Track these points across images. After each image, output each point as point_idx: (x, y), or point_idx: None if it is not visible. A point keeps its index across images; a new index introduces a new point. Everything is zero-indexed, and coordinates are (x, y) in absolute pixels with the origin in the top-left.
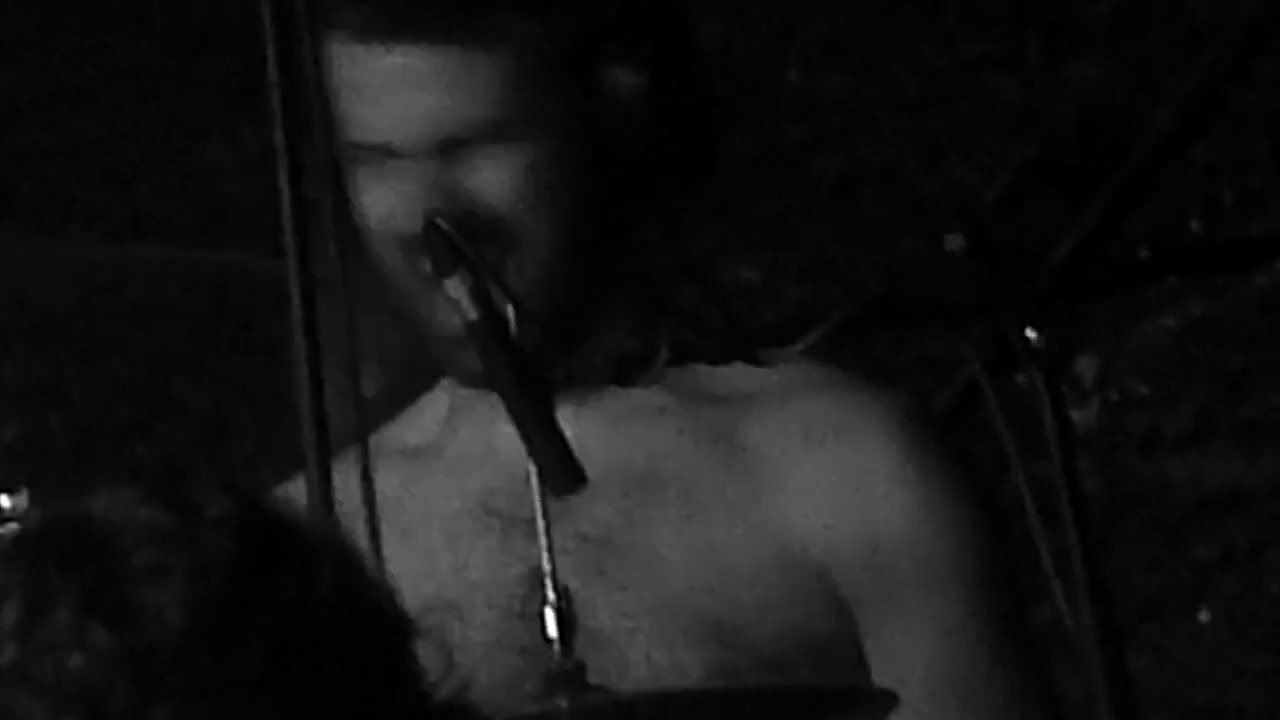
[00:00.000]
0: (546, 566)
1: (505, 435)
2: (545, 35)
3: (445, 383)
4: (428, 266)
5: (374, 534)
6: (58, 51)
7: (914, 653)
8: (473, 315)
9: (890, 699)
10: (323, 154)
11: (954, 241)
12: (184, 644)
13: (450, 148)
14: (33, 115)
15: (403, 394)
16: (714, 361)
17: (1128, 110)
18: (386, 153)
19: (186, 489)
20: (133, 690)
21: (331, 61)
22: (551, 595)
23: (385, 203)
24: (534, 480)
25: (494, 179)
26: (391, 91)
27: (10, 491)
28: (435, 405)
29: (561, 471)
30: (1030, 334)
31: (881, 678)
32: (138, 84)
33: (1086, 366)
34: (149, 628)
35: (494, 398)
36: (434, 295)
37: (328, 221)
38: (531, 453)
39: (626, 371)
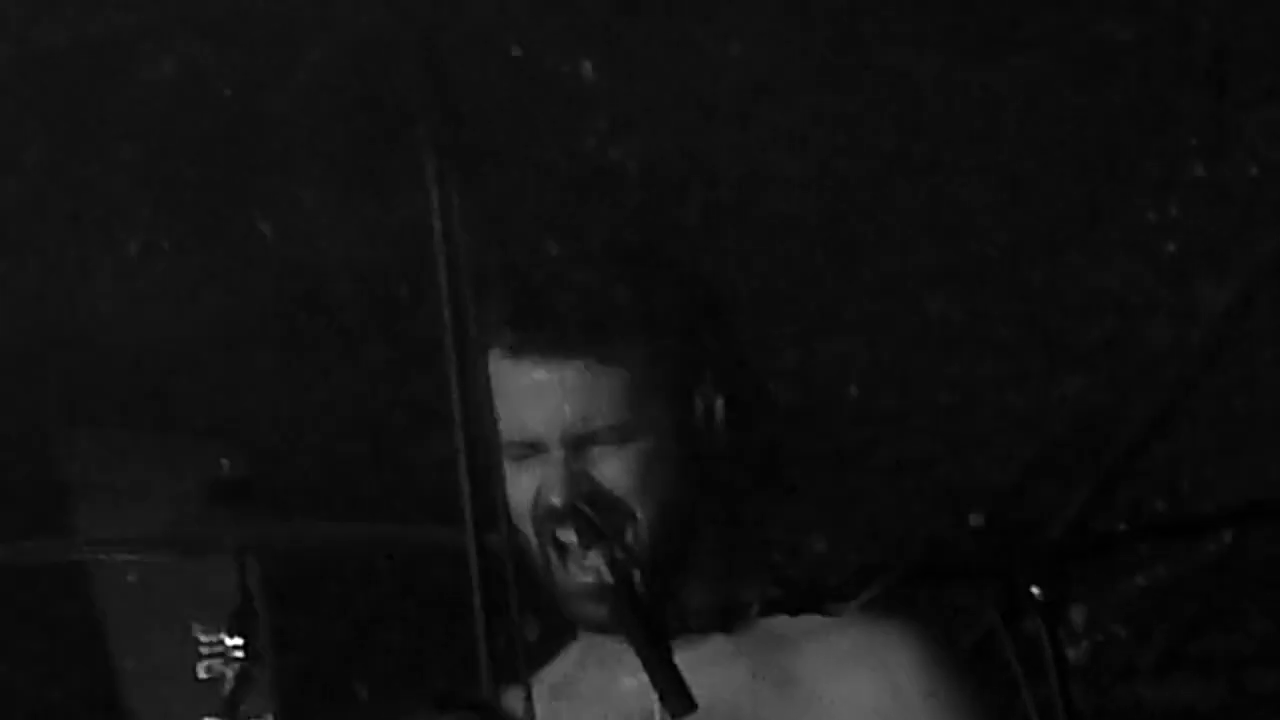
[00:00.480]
0: None
1: (617, 676)
2: (651, 359)
3: (578, 638)
4: (571, 537)
5: None
6: None
7: None
8: (609, 578)
9: None
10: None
11: (976, 519)
12: None
13: (581, 444)
14: None
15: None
16: (793, 613)
17: (1108, 418)
18: (532, 447)
19: None
20: None
21: (491, 373)
22: None
23: (532, 488)
24: (656, 706)
25: (614, 469)
26: (536, 399)
27: None
28: (569, 655)
29: (678, 699)
30: (1035, 590)
31: None
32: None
33: (1077, 614)
34: None
35: (614, 646)
36: (568, 561)
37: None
38: (654, 683)
39: (729, 621)
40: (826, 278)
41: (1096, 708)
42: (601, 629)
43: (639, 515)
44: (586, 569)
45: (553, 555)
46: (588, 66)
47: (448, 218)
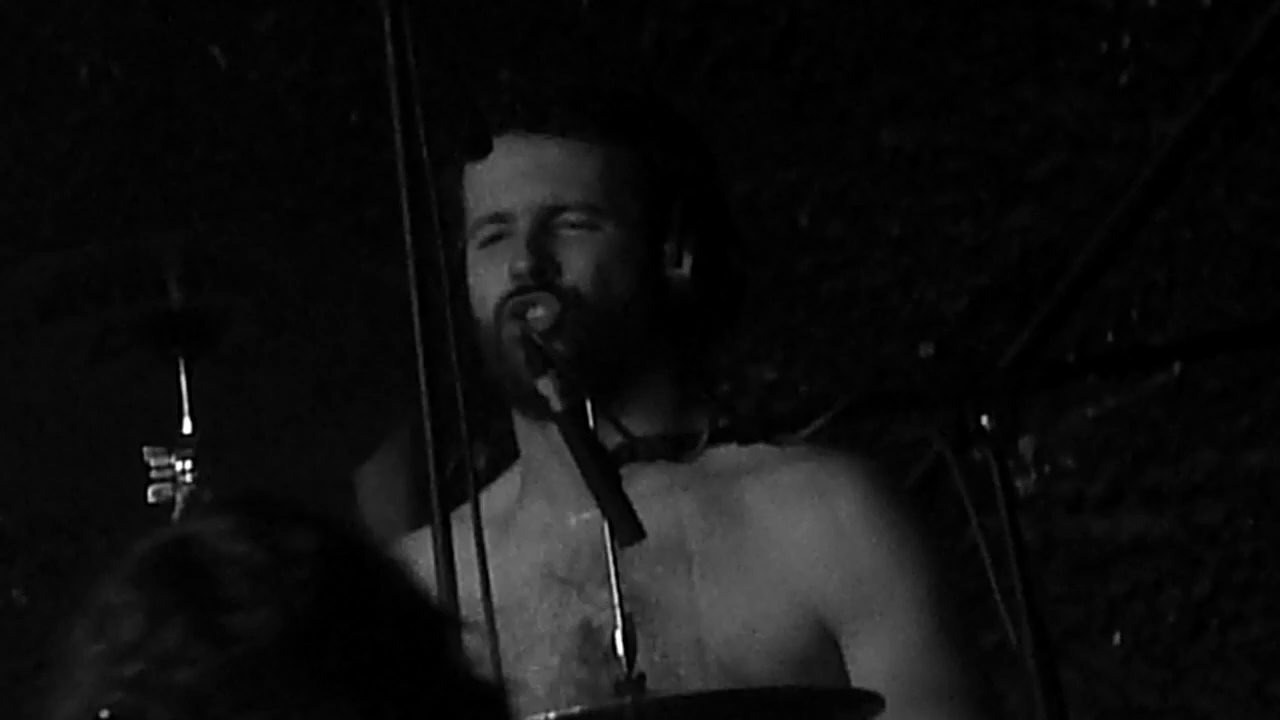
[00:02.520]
0: (616, 599)
1: (563, 513)
2: (632, 154)
3: (518, 466)
4: (536, 315)
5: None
6: None
7: (887, 663)
8: (559, 407)
9: (877, 701)
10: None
11: (926, 349)
12: (273, 661)
13: (550, 215)
14: None
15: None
16: (742, 442)
17: (1057, 248)
18: (498, 219)
19: (272, 522)
20: (233, 698)
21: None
22: (620, 621)
23: (498, 272)
24: (605, 530)
25: (577, 252)
26: (512, 173)
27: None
28: (510, 484)
29: (627, 528)
30: (984, 421)
31: (858, 683)
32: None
33: (1026, 446)
34: (244, 647)
35: (559, 478)
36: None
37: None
38: (603, 511)
39: (676, 450)
40: (778, 107)
41: (1045, 538)
42: (544, 416)
43: (586, 300)
44: (542, 401)
45: (514, 347)
46: None
47: (400, 40)
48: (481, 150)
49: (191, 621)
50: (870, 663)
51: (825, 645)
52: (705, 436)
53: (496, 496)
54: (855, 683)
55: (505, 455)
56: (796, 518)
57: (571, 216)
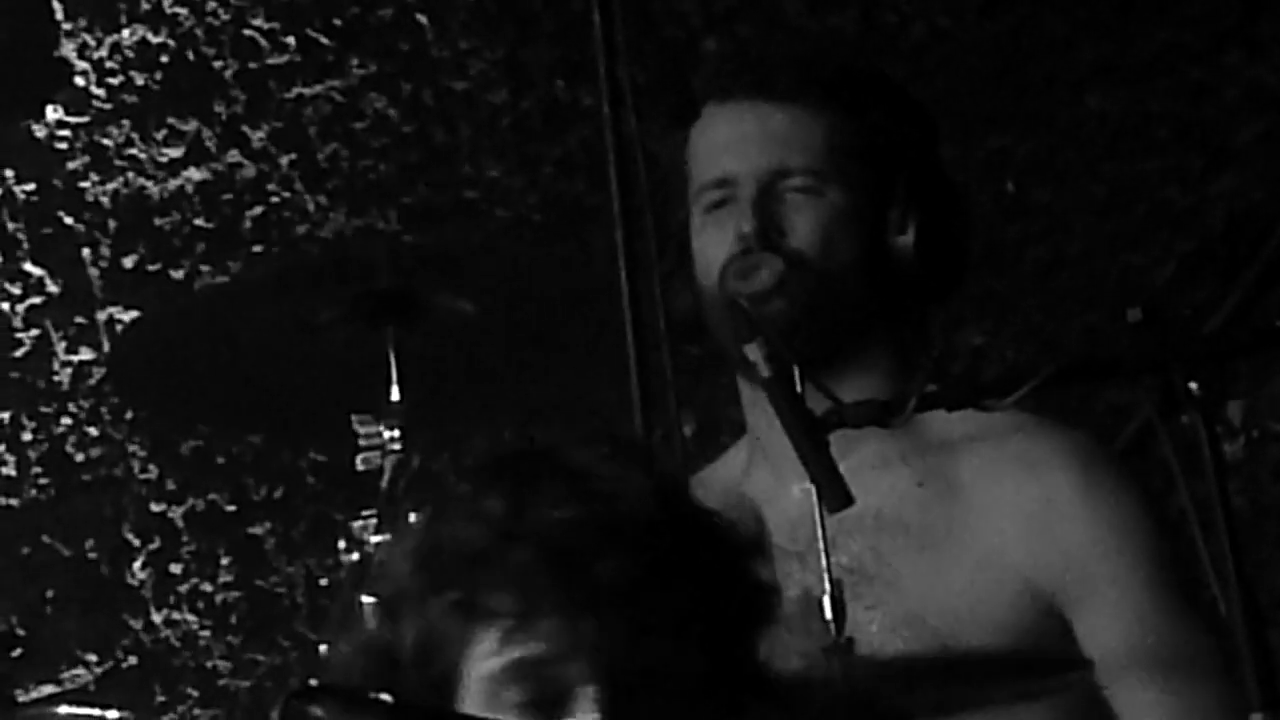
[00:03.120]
0: (824, 564)
1: (785, 481)
2: (859, 125)
3: (747, 437)
4: (757, 284)
5: None
6: None
7: (1117, 634)
8: (766, 373)
9: (1088, 663)
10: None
11: (1133, 314)
12: (633, 531)
13: (775, 180)
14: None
15: (714, 438)
16: (950, 408)
17: (1264, 212)
18: (723, 184)
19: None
20: (595, 546)
21: (700, 124)
22: (828, 587)
23: (723, 237)
24: (814, 497)
25: (802, 216)
26: (739, 134)
27: None
28: (739, 452)
29: (835, 494)
30: (1192, 385)
31: (1091, 652)
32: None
33: (1235, 410)
34: (607, 508)
35: (777, 449)
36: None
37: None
38: (812, 478)
39: (884, 415)
40: (984, 75)
41: (1253, 504)
42: (761, 383)
43: (811, 264)
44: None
45: (734, 316)
46: None
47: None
48: (688, 119)
49: (563, 490)
50: (1099, 634)
51: (1048, 617)
52: (913, 403)
53: (728, 466)
54: (1086, 646)
55: (715, 423)
56: (1012, 491)
57: (797, 181)
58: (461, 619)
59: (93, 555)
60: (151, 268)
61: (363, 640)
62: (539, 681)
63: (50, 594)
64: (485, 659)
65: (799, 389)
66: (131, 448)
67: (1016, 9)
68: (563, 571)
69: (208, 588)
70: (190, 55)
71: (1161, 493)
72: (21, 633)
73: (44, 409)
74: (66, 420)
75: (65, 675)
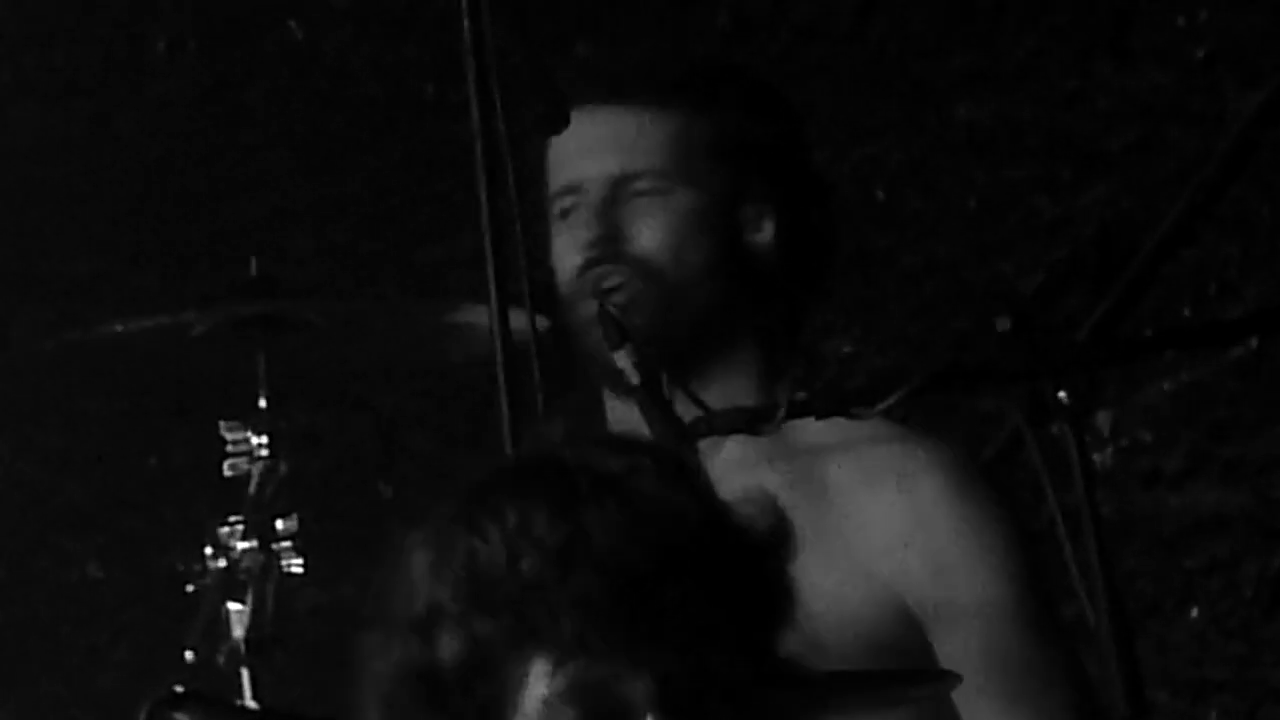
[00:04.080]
0: None
1: None
2: (709, 123)
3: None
4: (612, 283)
5: None
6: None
7: (973, 644)
8: (635, 381)
9: (953, 676)
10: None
11: (1002, 323)
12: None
13: (622, 184)
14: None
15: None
16: (819, 416)
17: (1134, 223)
18: (571, 191)
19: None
20: (652, 571)
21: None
22: None
23: (573, 243)
24: None
25: (647, 220)
26: (586, 140)
27: None
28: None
29: None
30: (1061, 395)
31: (949, 664)
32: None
33: (1103, 420)
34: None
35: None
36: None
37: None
38: None
39: (753, 423)
40: (855, 82)
41: (1121, 513)
42: (625, 394)
43: (663, 273)
44: (618, 375)
45: (592, 321)
46: None
47: (476, 14)
48: (558, 125)
49: (615, 499)
50: (958, 650)
51: (908, 628)
52: (782, 411)
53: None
54: (945, 660)
55: (585, 429)
56: (879, 499)
57: (642, 184)
58: (515, 643)
59: None
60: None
61: (397, 659)
62: (598, 704)
63: None
64: (541, 682)
65: (667, 396)
66: None
67: (888, 14)
68: (621, 599)
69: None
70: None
71: (1030, 502)
72: None
73: None
74: None
75: None
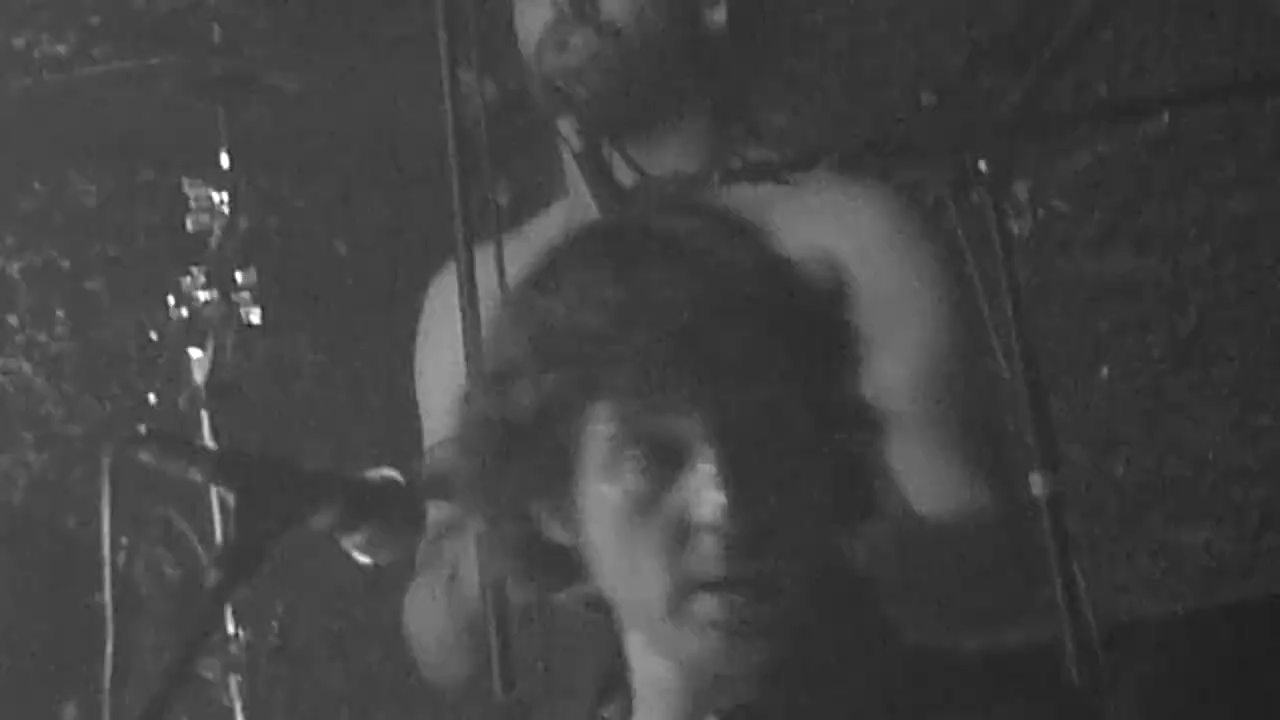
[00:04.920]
0: None
1: None
2: None
3: (567, 198)
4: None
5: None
6: None
7: (903, 376)
8: (578, 148)
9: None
10: None
11: (928, 98)
12: None
13: None
14: None
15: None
16: (753, 181)
17: (1056, 3)
18: None
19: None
20: (710, 324)
21: None
22: None
23: (537, 9)
24: None
25: None
26: None
27: None
28: (559, 213)
29: None
30: (982, 164)
31: (878, 391)
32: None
33: (1021, 189)
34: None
35: (590, 212)
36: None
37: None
38: None
39: (690, 188)
40: None
41: (1038, 278)
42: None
43: (629, 41)
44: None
45: (547, 93)
46: None
47: None
48: None
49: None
50: (887, 371)
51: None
52: (717, 176)
53: (547, 222)
54: (871, 389)
55: (530, 191)
56: (821, 235)
57: None
58: (582, 393)
59: None
60: None
61: (475, 411)
62: (659, 439)
63: None
64: (606, 422)
65: (608, 161)
66: None
67: None
68: (679, 348)
69: (43, 338)
70: None
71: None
72: None
73: None
74: None
75: None
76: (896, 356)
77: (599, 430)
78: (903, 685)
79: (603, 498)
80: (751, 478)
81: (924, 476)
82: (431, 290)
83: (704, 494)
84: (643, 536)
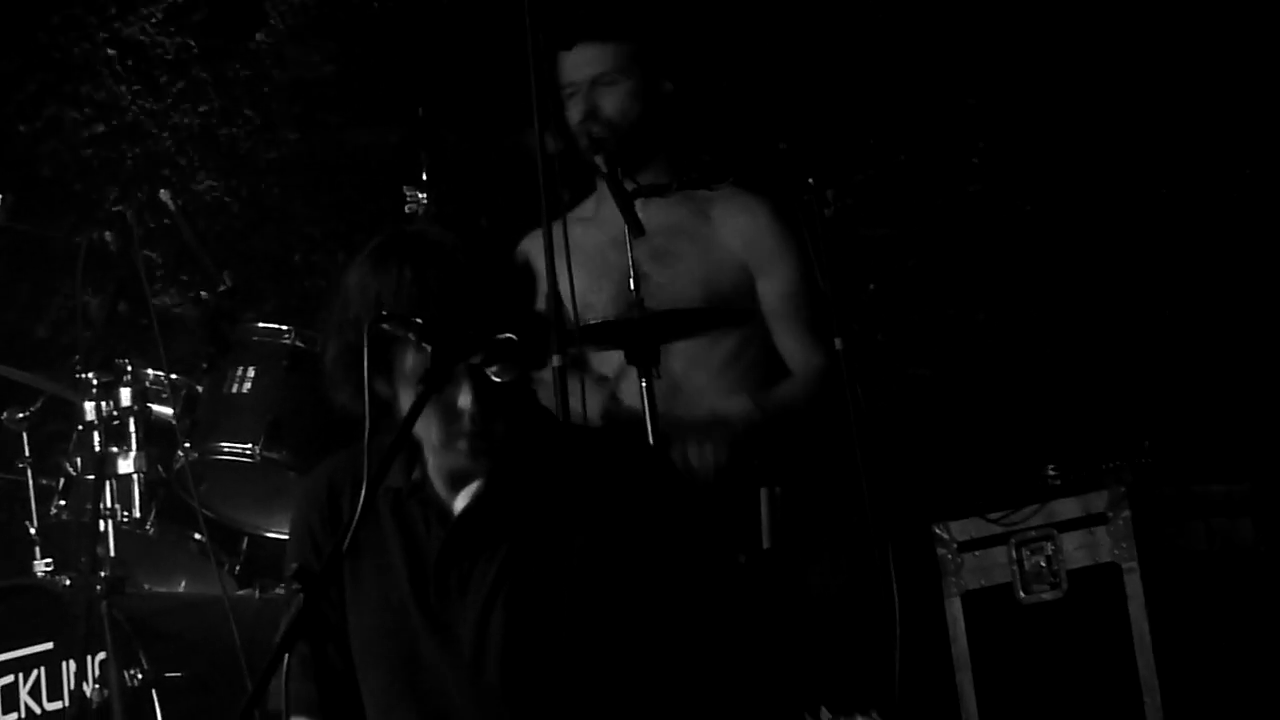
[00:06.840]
0: (630, 258)
1: (617, 219)
2: (634, 45)
3: (593, 198)
4: (596, 131)
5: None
6: None
7: (778, 291)
8: (605, 170)
9: (760, 311)
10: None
11: (783, 145)
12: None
13: (597, 82)
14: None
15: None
16: (695, 188)
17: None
18: (572, 85)
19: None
20: (439, 274)
21: (562, 54)
22: (632, 268)
23: (573, 109)
24: (627, 228)
25: (609, 99)
26: (577, 60)
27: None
28: (591, 202)
29: (635, 226)
30: (810, 180)
31: (766, 301)
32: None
33: (829, 195)
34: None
35: (611, 206)
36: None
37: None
38: (626, 218)
39: (664, 190)
40: None
41: (837, 240)
42: (601, 177)
43: (619, 123)
44: (597, 166)
45: (585, 143)
46: None
47: None
48: (562, 47)
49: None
50: (769, 288)
51: (748, 280)
52: (675, 184)
53: (586, 206)
54: (762, 299)
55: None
56: (737, 217)
57: (604, 80)
58: (399, 332)
59: None
60: None
61: (337, 345)
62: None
63: None
64: (410, 349)
65: (620, 177)
66: None
67: None
68: (434, 294)
69: None
70: None
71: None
72: None
73: None
74: None
75: None
76: (774, 279)
77: (408, 356)
78: None
79: None
80: None
81: (788, 345)
82: (525, 242)
83: None
84: None
